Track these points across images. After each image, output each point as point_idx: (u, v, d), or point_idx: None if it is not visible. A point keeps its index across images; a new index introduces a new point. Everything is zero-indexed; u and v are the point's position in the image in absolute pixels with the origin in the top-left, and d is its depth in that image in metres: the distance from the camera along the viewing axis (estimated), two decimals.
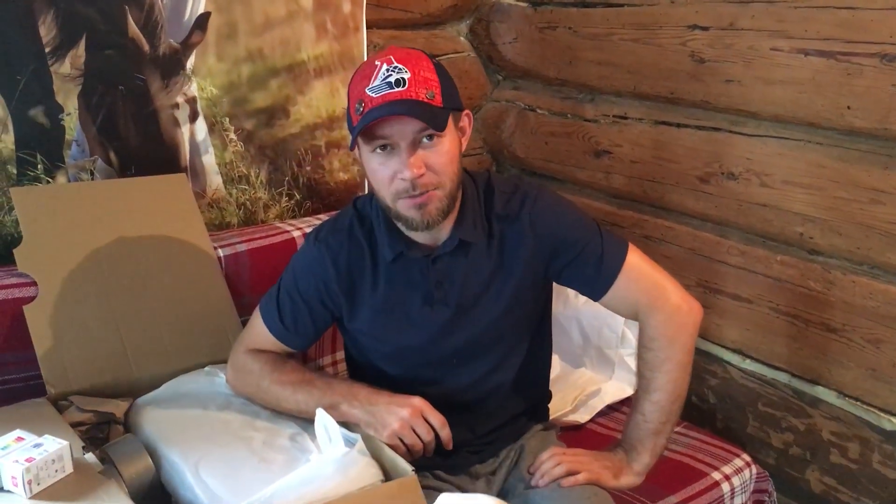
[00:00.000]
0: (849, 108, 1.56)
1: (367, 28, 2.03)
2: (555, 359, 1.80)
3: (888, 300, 1.59)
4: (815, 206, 1.67)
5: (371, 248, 1.38)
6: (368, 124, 1.18)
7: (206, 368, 1.52)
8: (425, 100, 1.20)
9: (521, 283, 1.38)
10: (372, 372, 1.44)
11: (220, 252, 1.69)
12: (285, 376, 1.37)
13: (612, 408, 1.86)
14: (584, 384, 1.85)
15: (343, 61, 2.02)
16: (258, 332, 1.44)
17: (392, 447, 1.24)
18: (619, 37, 1.98)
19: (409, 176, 1.21)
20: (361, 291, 1.39)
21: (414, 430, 1.27)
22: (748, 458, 1.71)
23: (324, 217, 1.92)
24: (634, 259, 1.39)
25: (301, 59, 1.95)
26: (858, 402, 1.68)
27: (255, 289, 1.68)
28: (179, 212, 1.68)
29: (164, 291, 1.57)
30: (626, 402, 1.87)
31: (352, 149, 1.28)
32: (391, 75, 1.19)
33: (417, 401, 1.29)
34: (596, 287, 1.39)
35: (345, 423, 1.29)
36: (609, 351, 1.85)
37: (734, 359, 1.91)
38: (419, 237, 1.34)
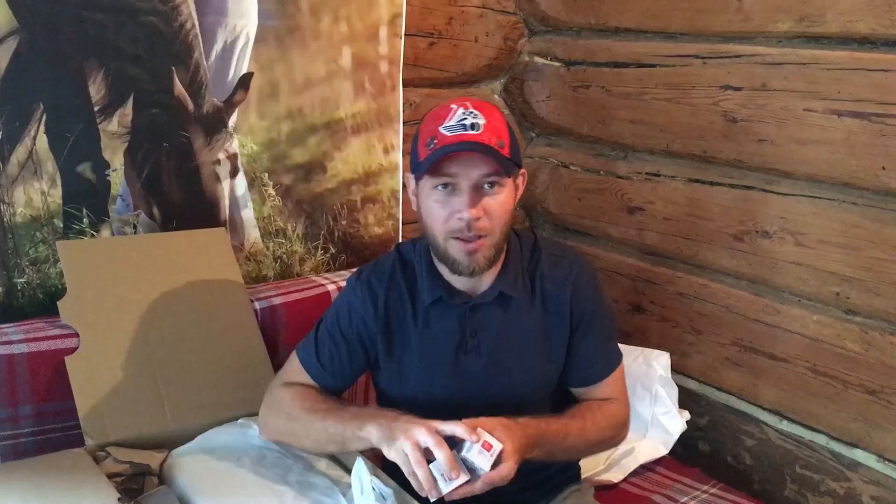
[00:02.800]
0: (884, 168, 1.57)
1: (403, 86, 2.07)
2: None
3: None
4: (851, 266, 1.66)
5: (411, 291, 1.40)
6: (438, 160, 1.22)
7: (240, 420, 1.52)
8: (496, 147, 1.24)
9: (557, 343, 1.41)
10: None
11: (257, 305, 1.71)
12: (317, 404, 1.36)
13: (645, 467, 1.82)
14: None
15: (380, 118, 2.06)
16: (293, 370, 1.44)
17: (405, 473, 1.16)
18: (651, 96, 2.00)
19: (468, 217, 1.24)
20: (398, 333, 1.41)
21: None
22: None
23: None
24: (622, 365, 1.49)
25: (339, 117, 1.99)
26: None
27: (289, 341, 1.70)
28: (218, 265, 1.71)
29: (201, 343, 1.59)
30: (660, 461, 1.84)
31: (414, 178, 1.32)
32: (466, 119, 1.24)
33: (439, 423, 1.20)
34: (587, 378, 1.45)
35: (387, 470, 1.25)
36: (643, 409, 1.83)
37: (771, 419, 1.88)
38: (460, 284, 1.37)
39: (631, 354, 1.89)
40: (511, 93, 2.37)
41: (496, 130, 1.25)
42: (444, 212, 1.27)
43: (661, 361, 1.84)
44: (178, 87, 1.75)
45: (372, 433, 1.22)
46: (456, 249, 1.28)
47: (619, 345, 1.75)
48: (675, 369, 1.91)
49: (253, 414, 1.54)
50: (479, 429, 1.16)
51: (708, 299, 1.97)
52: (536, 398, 1.44)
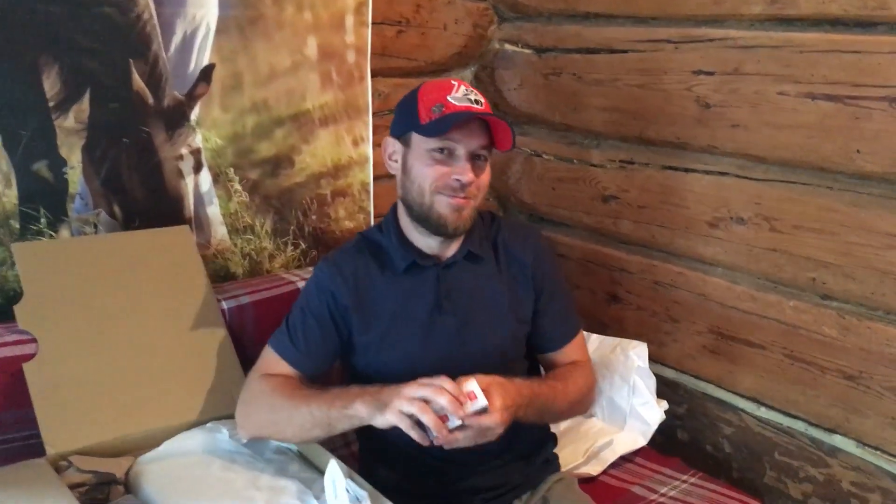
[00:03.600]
0: (858, 151, 1.55)
1: (371, 77, 2.03)
2: None
3: None
4: (827, 251, 1.65)
5: (380, 262, 1.46)
6: (447, 127, 1.31)
7: (209, 424, 1.48)
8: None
9: (524, 307, 1.50)
10: None
11: (224, 305, 1.67)
12: (297, 391, 1.36)
13: (624, 459, 1.80)
14: (596, 435, 1.81)
15: (348, 110, 2.02)
16: (269, 362, 1.44)
17: (404, 428, 1.18)
18: (623, 82, 1.98)
19: (467, 180, 1.34)
20: (370, 303, 1.43)
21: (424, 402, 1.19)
22: None
23: None
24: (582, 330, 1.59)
25: (306, 109, 1.95)
26: (879, 452, 1.64)
27: (259, 341, 1.63)
28: (182, 264, 1.66)
29: (166, 346, 1.54)
30: (639, 452, 1.83)
31: (400, 141, 1.41)
32: (470, 94, 1.36)
33: (423, 379, 1.21)
34: (555, 340, 1.54)
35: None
36: (621, 401, 1.81)
37: (749, 406, 1.87)
38: (431, 248, 1.45)
39: (608, 345, 1.87)
40: (482, 81, 2.34)
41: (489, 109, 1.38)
42: (439, 171, 1.35)
43: (638, 352, 1.82)
44: (137, 81, 1.70)
45: (359, 409, 1.23)
46: (443, 204, 1.36)
47: (597, 335, 1.80)
48: (653, 358, 1.88)
49: (222, 417, 1.51)
50: (464, 380, 1.20)
51: (684, 287, 1.95)
52: (511, 357, 1.50)
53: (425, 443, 1.19)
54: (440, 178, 1.35)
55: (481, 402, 1.18)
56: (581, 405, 1.53)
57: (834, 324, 1.66)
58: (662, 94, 1.88)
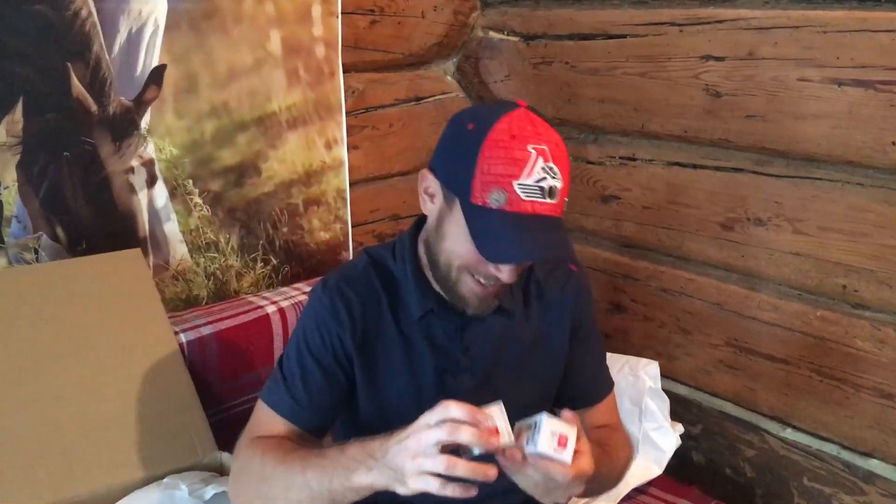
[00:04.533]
0: (894, 143, 1.40)
1: (344, 72, 1.88)
2: None
3: None
4: (858, 255, 1.51)
5: (392, 300, 1.21)
6: (501, 258, 1.06)
7: (165, 480, 1.30)
8: (560, 216, 1.09)
9: (558, 355, 1.29)
10: None
11: (182, 337, 1.49)
12: (290, 455, 1.11)
13: (638, 490, 1.65)
14: None
15: (319, 110, 1.86)
16: (262, 421, 1.19)
17: (436, 491, 0.93)
18: (622, 71, 1.81)
19: (507, 280, 1.10)
20: (379, 350, 1.20)
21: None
22: None
23: (303, 285, 1.75)
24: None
25: (272, 111, 1.79)
26: None
27: (224, 378, 1.50)
28: (134, 293, 1.48)
29: (116, 389, 1.37)
30: (653, 482, 1.66)
31: (444, 191, 1.11)
32: (546, 178, 1.04)
33: (425, 416, 0.98)
34: (588, 396, 1.33)
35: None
36: (632, 426, 1.65)
37: (773, 427, 1.72)
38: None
39: (615, 363, 1.71)
40: (465, 73, 2.17)
41: (565, 192, 1.08)
42: (475, 258, 1.08)
43: (649, 371, 1.66)
44: (77, 87, 1.52)
45: (363, 480, 0.99)
46: (469, 288, 1.14)
47: None
48: (664, 374, 1.75)
49: (181, 470, 1.33)
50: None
51: (695, 295, 1.82)
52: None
53: (470, 493, 0.94)
54: (476, 264, 1.10)
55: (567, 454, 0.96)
56: (623, 472, 1.31)
57: (868, 336, 1.53)
58: (667, 82, 1.73)
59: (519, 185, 1.03)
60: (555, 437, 0.95)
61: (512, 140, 1.04)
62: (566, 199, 1.08)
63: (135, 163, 1.62)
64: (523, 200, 1.03)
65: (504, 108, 1.08)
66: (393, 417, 1.14)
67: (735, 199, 1.67)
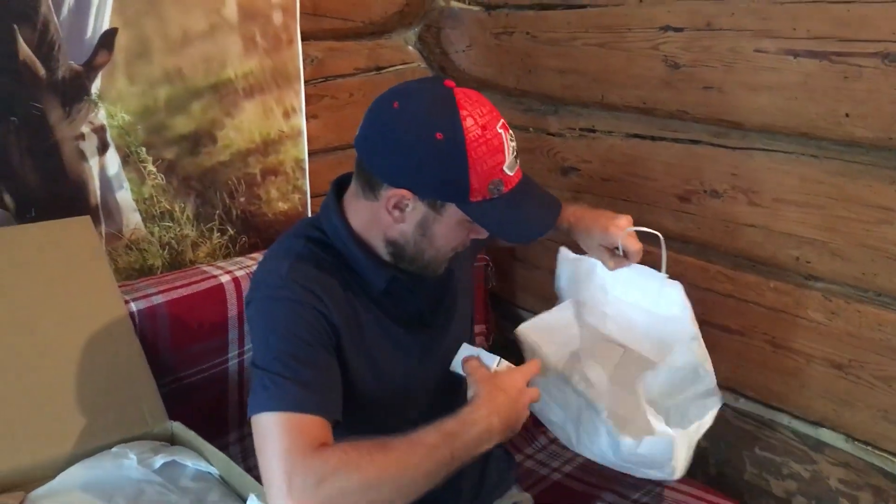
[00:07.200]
0: (847, 115, 1.39)
1: (302, 40, 1.83)
2: None
3: None
4: (811, 227, 1.50)
5: (348, 276, 1.23)
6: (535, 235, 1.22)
7: (114, 449, 1.27)
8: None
9: (471, 294, 1.45)
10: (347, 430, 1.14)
11: (133, 306, 1.46)
12: (381, 441, 1.04)
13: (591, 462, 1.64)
14: None
15: (276, 78, 1.82)
16: (291, 435, 1.03)
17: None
18: (582, 41, 1.79)
19: (483, 237, 1.22)
20: (355, 321, 1.23)
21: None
22: None
23: (259, 255, 1.72)
24: None
25: (227, 78, 1.74)
26: (870, 447, 1.51)
27: (176, 348, 1.46)
28: (83, 261, 1.44)
29: (63, 358, 1.33)
30: None
31: (426, 202, 1.16)
32: (512, 146, 1.16)
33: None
34: None
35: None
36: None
37: (727, 397, 1.71)
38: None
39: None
40: (427, 43, 2.13)
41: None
42: (464, 236, 1.22)
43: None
44: (24, 49, 1.47)
45: (484, 436, 1.08)
46: (445, 258, 1.26)
47: None
48: None
49: (131, 439, 1.31)
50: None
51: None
52: None
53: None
54: (463, 241, 1.23)
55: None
56: None
57: (819, 307, 1.53)
58: (626, 53, 1.70)
59: (506, 165, 1.13)
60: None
61: (484, 130, 1.11)
62: None
63: (85, 129, 1.57)
64: (510, 175, 1.14)
65: (446, 100, 1.11)
66: (387, 379, 1.28)
67: (692, 170, 1.66)
